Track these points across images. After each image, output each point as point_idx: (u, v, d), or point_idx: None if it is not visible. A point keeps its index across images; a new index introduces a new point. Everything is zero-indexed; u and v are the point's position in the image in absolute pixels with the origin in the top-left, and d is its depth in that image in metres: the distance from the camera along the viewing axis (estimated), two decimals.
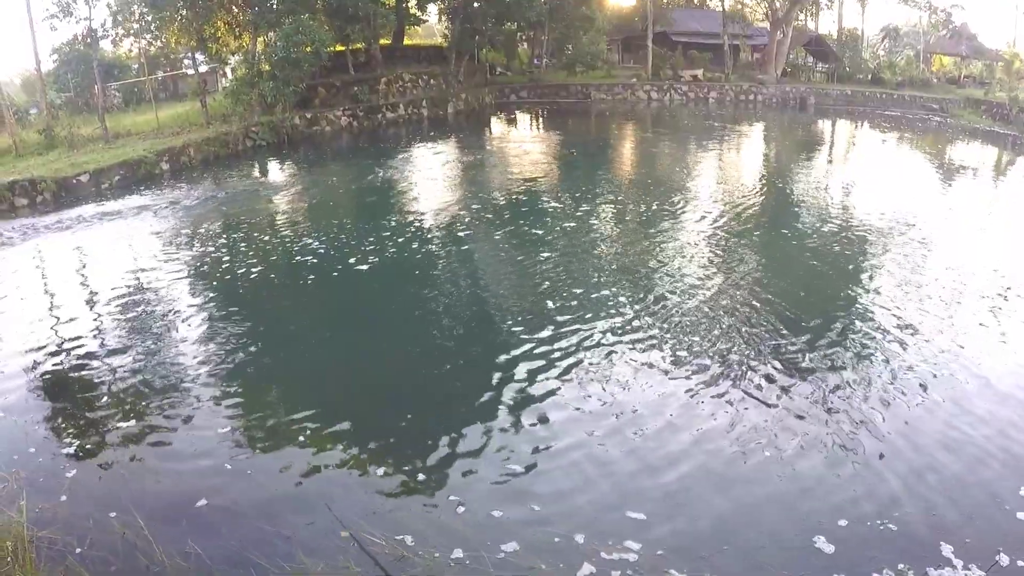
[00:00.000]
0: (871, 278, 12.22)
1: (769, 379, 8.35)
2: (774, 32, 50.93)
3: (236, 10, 35.09)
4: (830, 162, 26.94)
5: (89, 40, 31.88)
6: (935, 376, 8.41)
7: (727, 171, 24.41)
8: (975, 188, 21.29)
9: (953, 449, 6.87)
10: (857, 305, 10.84)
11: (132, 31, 33.33)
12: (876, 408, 7.66)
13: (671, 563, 5.43)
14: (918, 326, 9.88)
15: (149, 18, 32.44)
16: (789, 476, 6.48)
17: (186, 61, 44.44)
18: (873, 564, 5.37)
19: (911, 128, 37.30)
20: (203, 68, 41.51)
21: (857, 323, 10.04)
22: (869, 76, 53.41)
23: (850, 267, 12.85)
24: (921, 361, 8.81)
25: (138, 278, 13.01)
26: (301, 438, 7.26)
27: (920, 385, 8.18)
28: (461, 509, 6.13)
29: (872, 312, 10.44)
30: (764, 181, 22.01)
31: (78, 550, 5.58)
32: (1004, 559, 5.40)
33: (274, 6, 34.43)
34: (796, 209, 17.86)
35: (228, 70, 41.68)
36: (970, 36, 56.99)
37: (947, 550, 5.49)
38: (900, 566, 5.35)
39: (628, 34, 59.55)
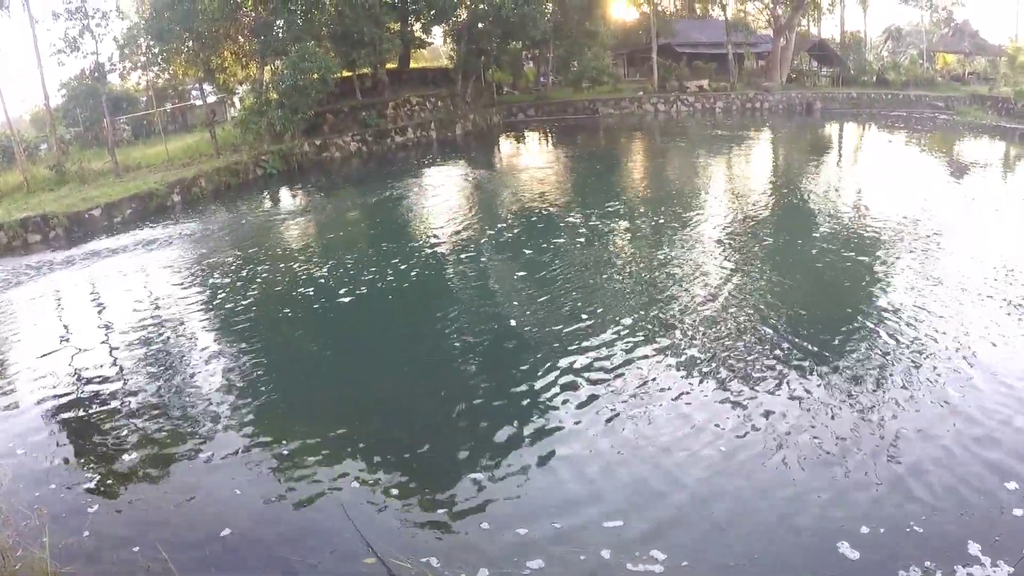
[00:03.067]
0: (886, 278, 12.11)
1: (786, 383, 8.28)
2: (777, 39, 50.95)
3: (242, 40, 35.46)
4: (839, 165, 26.85)
5: (97, 74, 32.15)
6: (954, 374, 8.31)
7: (737, 178, 24.33)
8: (986, 184, 21.10)
9: (975, 448, 6.78)
10: (873, 306, 10.73)
11: (139, 64, 33.66)
12: (895, 409, 7.57)
13: (699, 574, 5.35)
14: (935, 324, 9.76)
15: (156, 50, 32.75)
16: (810, 481, 6.40)
17: (194, 92, 44.87)
18: (900, 564, 5.32)
19: (918, 127, 37.16)
20: (211, 99, 41.84)
21: (873, 324, 9.93)
22: (874, 78, 53.35)
23: (864, 268, 12.74)
24: (939, 359, 8.71)
25: (153, 312, 13.03)
26: (321, 464, 7.21)
27: (939, 384, 8.09)
28: (485, 526, 6.08)
29: (888, 313, 10.33)
30: (774, 186, 21.93)
31: None
32: None
33: (280, 35, 34.76)
34: (808, 212, 17.77)
35: (236, 100, 41.99)
36: (972, 33, 56.83)
37: (974, 548, 5.43)
38: (927, 563, 5.29)
39: (632, 48, 59.69)
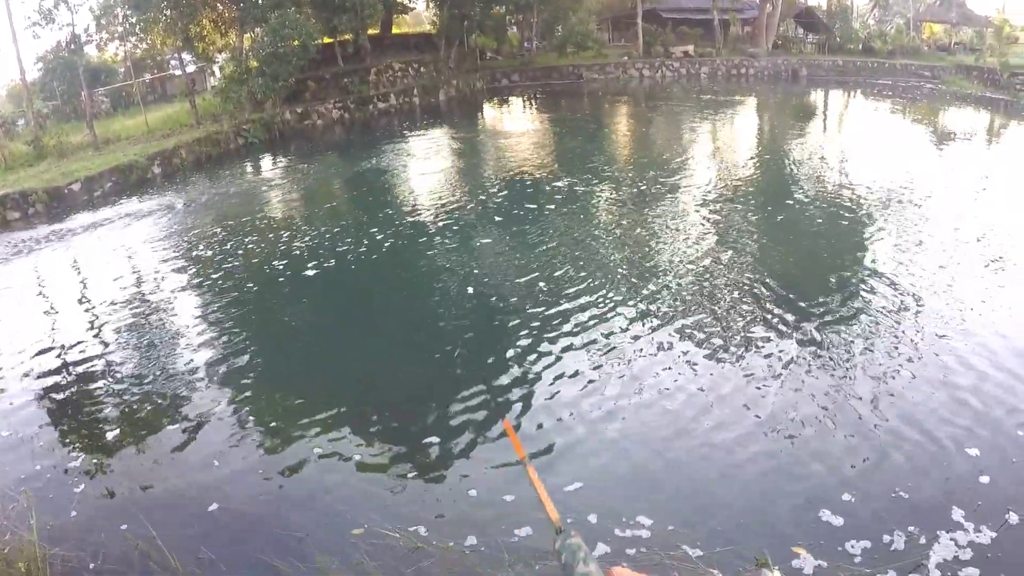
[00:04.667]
0: (870, 246, 12.19)
1: (769, 351, 8.34)
2: (764, 5, 50.69)
3: (221, 7, 34.96)
4: (824, 132, 26.86)
5: (73, 46, 31.64)
6: (937, 341, 8.39)
7: (722, 145, 24.31)
8: (970, 153, 21.20)
9: (957, 414, 6.86)
10: (856, 274, 10.81)
11: (116, 34, 33.14)
12: (878, 377, 7.64)
13: (684, 538, 5.42)
14: (918, 293, 9.84)
15: (133, 20, 32.21)
16: (792, 449, 6.47)
17: (173, 62, 44.20)
18: (884, 529, 5.39)
19: (903, 96, 37.17)
20: (190, 68, 41.29)
21: (856, 291, 10.01)
22: (860, 46, 53.24)
23: (848, 235, 12.81)
24: (922, 327, 8.78)
25: (136, 287, 12.94)
26: (307, 437, 7.22)
27: (921, 351, 8.16)
28: (473, 494, 6.13)
29: (871, 280, 10.40)
30: (759, 153, 21.95)
31: (92, 565, 5.55)
32: (1014, 518, 5.42)
33: (259, 1, 34.26)
34: (793, 180, 17.79)
35: (216, 69, 41.50)
36: (959, 3, 56.85)
37: (958, 514, 5.49)
38: (911, 529, 5.37)
39: (617, 13, 59.29)
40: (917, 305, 9.45)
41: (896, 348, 8.31)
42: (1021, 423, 6.66)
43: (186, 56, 38.32)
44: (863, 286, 10.24)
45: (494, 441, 6.93)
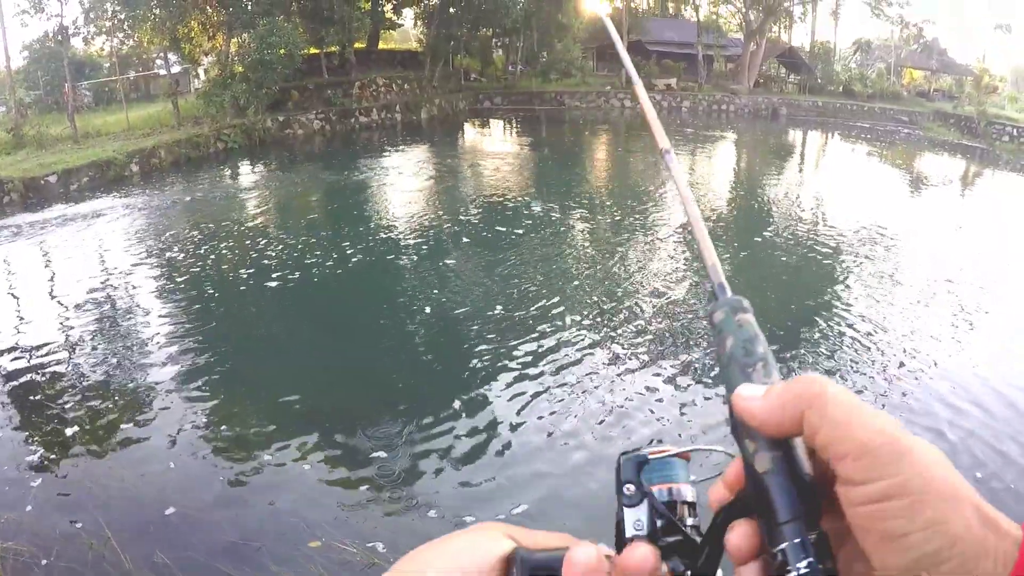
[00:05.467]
0: (843, 284, 12.43)
1: None
2: (748, 43, 51.39)
3: (210, 10, 34.86)
4: (801, 171, 27.26)
5: (60, 38, 31.49)
6: (910, 378, 8.53)
7: (699, 180, 24.53)
8: (945, 199, 21.62)
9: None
10: (826, 312, 10.98)
11: (104, 29, 32.99)
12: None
13: None
14: (888, 332, 10.01)
15: (122, 16, 32.11)
16: None
17: (158, 61, 44.08)
18: None
19: (881, 140, 37.82)
20: (175, 69, 41.19)
21: (828, 328, 10.17)
22: (840, 88, 54.09)
23: (820, 275, 13.02)
24: (891, 364, 8.93)
25: (105, 283, 12.87)
26: (266, 446, 7.21)
27: (892, 388, 8.29)
28: (432, 513, 6.13)
29: (843, 316, 10.58)
30: (735, 190, 22.26)
31: (44, 562, 5.50)
32: None
33: (248, 7, 34.25)
34: (767, 217, 18.03)
35: (201, 71, 41.38)
36: (940, 51, 57.89)
37: None
38: None
39: (602, 42, 59.59)
40: (886, 344, 9.62)
41: (868, 386, 8.44)
42: (995, 459, 6.80)
43: (172, 56, 38.22)
44: (835, 322, 10.41)
45: (455, 461, 6.95)
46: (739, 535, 0.59)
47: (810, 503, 0.55)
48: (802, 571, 0.53)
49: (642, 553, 0.60)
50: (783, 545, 0.54)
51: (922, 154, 33.41)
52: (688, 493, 0.69)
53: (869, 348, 9.61)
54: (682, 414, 7.81)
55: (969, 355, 9.48)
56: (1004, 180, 28.46)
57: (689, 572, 0.63)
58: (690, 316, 10.73)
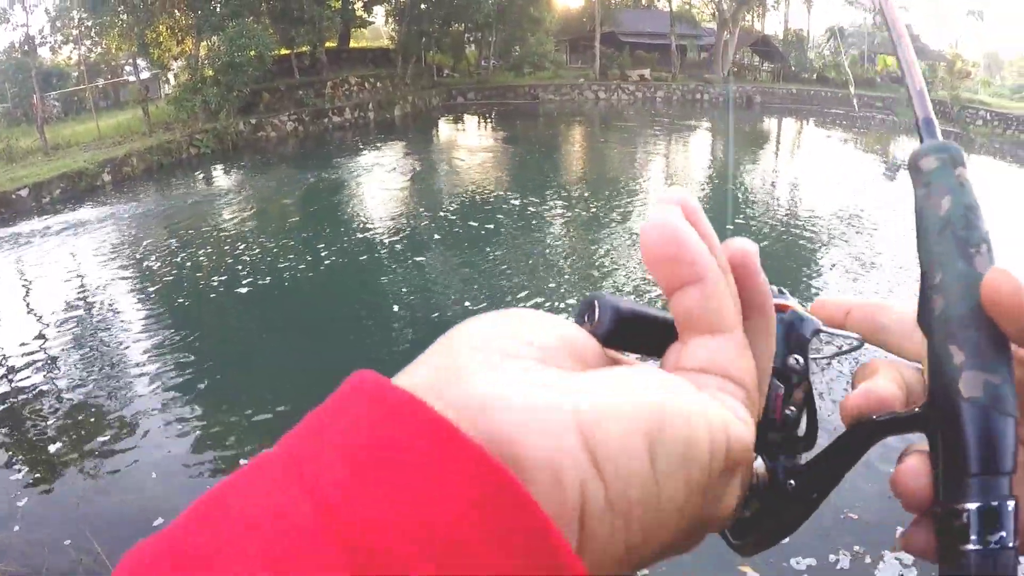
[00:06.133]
0: (821, 266, 12.50)
1: None
2: (721, 32, 51.49)
3: (178, 14, 34.58)
4: (776, 158, 27.39)
5: (27, 48, 31.15)
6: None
7: (675, 169, 24.65)
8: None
9: (906, 437, 6.98)
10: (806, 293, 11.02)
11: (71, 37, 32.75)
12: (828, 393, 7.76)
13: None
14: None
15: (89, 23, 31.85)
16: None
17: (127, 68, 43.66)
18: (830, 547, 5.49)
19: (856, 126, 38.06)
20: (145, 75, 40.80)
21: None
22: (815, 75, 54.36)
23: (799, 256, 13.09)
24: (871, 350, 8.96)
25: (83, 297, 12.75)
26: (252, 451, 7.13)
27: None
28: None
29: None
30: (711, 177, 22.31)
31: None
32: None
33: (217, 9, 33.98)
34: (743, 203, 18.09)
35: (171, 76, 41.04)
36: (914, 37, 58.05)
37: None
38: (856, 548, 5.49)
39: (575, 35, 59.81)
40: None
41: (845, 371, 8.48)
42: None
43: (141, 62, 37.85)
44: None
45: None
46: (914, 471, 0.44)
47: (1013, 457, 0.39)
48: (991, 548, 0.37)
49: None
50: (970, 505, 0.38)
51: (897, 139, 33.64)
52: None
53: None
54: None
55: None
56: (979, 163, 28.72)
57: (792, 483, 0.49)
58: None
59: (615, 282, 11.98)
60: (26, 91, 33.01)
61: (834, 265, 12.77)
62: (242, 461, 6.97)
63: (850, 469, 0.48)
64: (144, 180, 25.12)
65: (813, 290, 11.50)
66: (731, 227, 15.12)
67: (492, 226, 15.90)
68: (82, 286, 13.31)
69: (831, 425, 0.50)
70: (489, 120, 40.57)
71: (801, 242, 14.17)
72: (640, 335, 0.43)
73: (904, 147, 31.24)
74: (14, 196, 20.93)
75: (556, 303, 10.93)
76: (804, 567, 5.29)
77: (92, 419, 8.15)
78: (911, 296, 0.42)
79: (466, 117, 42.17)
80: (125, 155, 26.16)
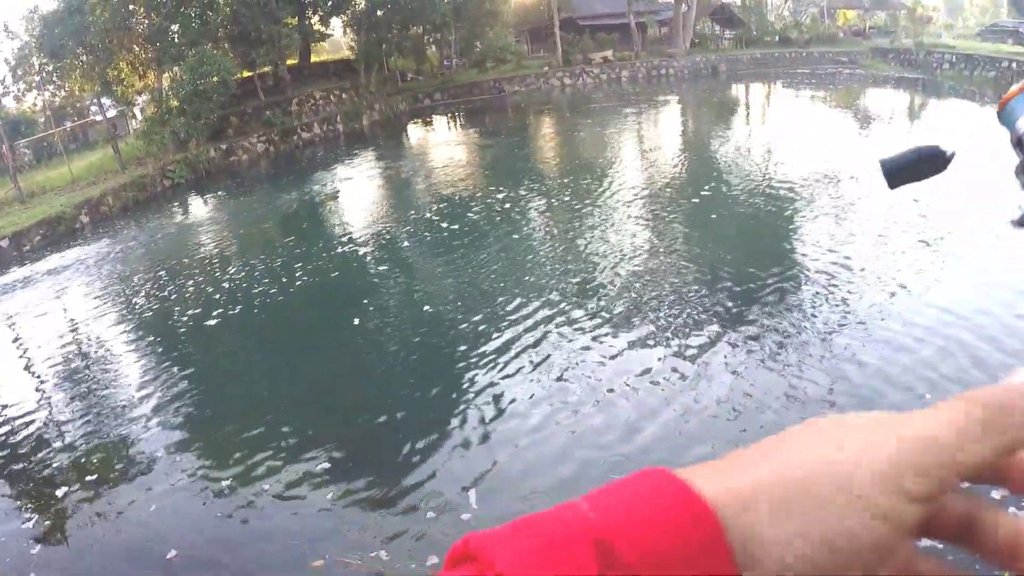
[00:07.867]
0: (800, 231, 12.59)
1: (711, 336, 8.59)
2: (679, 5, 51.62)
3: (138, 49, 34.55)
4: (747, 123, 27.55)
5: None
6: (874, 320, 8.68)
7: (647, 144, 24.77)
8: (894, 133, 21.90)
9: (896, 388, 7.13)
10: (789, 258, 11.15)
11: (34, 84, 32.67)
12: (817, 355, 7.91)
13: None
14: (851, 273, 10.18)
15: (50, 68, 31.79)
16: (733, 430, 6.65)
17: (93, 108, 43.54)
18: None
19: (823, 82, 38.31)
20: (111, 112, 40.72)
21: (792, 275, 10.33)
22: (776, 38, 54.58)
23: (780, 222, 13.23)
24: (857, 307, 9.10)
25: (75, 340, 12.83)
26: (257, 476, 7.26)
27: (857, 330, 8.46)
28: (431, 516, 6.22)
29: (805, 263, 10.73)
30: (684, 150, 22.45)
31: None
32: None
33: (176, 40, 33.98)
34: (720, 172, 18.23)
35: (137, 111, 40.97)
36: None
37: None
38: None
39: (534, 24, 59.89)
40: (851, 285, 9.76)
41: (834, 329, 8.57)
42: (974, 371, 6.96)
43: (106, 101, 37.80)
44: (797, 269, 10.55)
45: (448, 462, 7.03)
46: None
47: None
48: None
49: None
50: None
51: (865, 92, 33.86)
52: None
53: (836, 286, 9.79)
54: (665, 388, 7.94)
55: (933, 275, 9.68)
56: (950, 106, 28.94)
57: None
58: (658, 282, 10.85)
59: (591, 266, 12.08)
60: None
61: (816, 220, 12.89)
62: (251, 489, 7.08)
63: None
64: (122, 217, 25.14)
65: (797, 250, 11.63)
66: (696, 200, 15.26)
67: (469, 227, 15.98)
68: (72, 330, 13.38)
69: None
70: (458, 119, 40.63)
71: (781, 201, 14.29)
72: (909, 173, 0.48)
73: (874, 99, 31.42)
74: None
75: (548, 297, 11.02)
76: None
77: (96, 460, 8.24)
78: None
79: (434, 118, 42.21)
80: (100, 195, 26.19)
